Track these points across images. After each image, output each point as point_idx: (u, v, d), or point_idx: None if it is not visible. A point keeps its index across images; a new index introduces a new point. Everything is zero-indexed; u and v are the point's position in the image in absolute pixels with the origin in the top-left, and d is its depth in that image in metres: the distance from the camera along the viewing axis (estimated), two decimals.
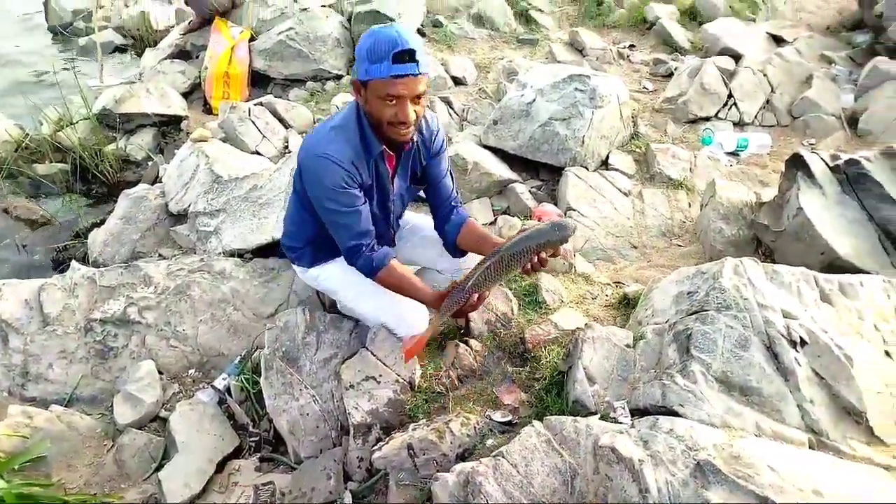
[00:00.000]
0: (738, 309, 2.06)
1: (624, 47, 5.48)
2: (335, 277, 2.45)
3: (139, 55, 6.46)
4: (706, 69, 4.61)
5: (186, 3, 5.67)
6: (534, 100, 3.99)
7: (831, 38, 5.31)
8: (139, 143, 4.67)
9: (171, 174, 3.87)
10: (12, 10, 7.80)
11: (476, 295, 2.15)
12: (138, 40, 6.68)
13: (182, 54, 5.71)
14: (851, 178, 2.98)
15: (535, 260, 2.07)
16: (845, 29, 5.45)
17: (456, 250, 2.44)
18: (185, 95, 5.24)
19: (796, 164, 3.10)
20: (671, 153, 3.96)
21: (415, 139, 2.27)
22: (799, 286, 2.19)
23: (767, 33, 5.28)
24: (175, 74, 5.20)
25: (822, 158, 3.07)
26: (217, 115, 4.85)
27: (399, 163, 2.31)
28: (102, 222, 3.86)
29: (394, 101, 2.01)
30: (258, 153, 4.23)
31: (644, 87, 4.98)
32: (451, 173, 2.41)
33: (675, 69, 5.04)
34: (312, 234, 2.38)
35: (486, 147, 4.06)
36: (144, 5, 6.86)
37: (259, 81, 5.27)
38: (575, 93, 3.91)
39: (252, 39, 5.17)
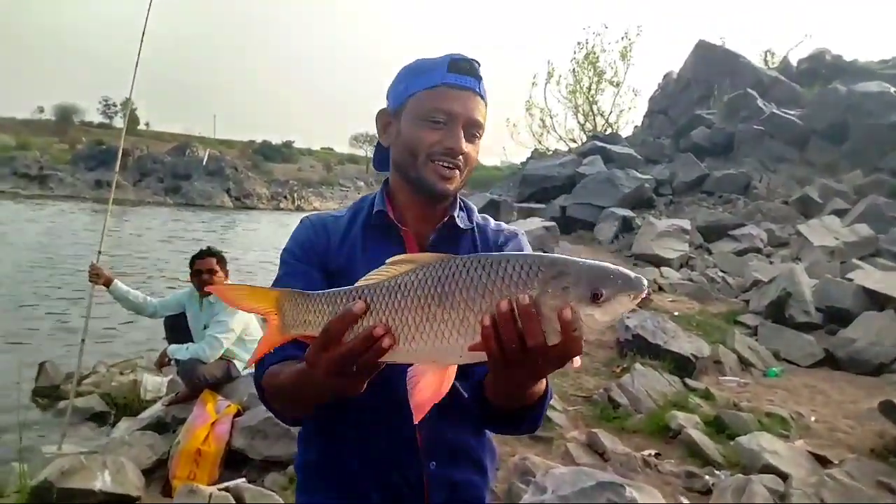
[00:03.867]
0: None
1: (649, 455, 4.92)
2: None
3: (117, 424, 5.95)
4: (753, 488, 3.95)
5: (178, 372, 5.39)
6: None
7: (881, 463, 4.76)
8: None
9: None
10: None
11: (364, 317, 1.06)
12: (121, 408, 6.26)
13: (160, 426, 5.18)
14: None
15: (519, 317, 1.00)
16: (891, 454, 4.94)
17: (486, 410, 1.41)
18: (148, 472, 4.53)
19: None
20: None
21: (463, 225, 1.52)
22: None
23: (809, 452, 4.77)
24: (142, 447, 4.58)
25: None
26: (174, 497, 4.10)
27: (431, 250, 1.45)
28: None
29: (441, 121, 1.39)
30: None
31: None
32: None
33: (713, 485, 4.39)
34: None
35: None
36: (139, 374, 6.64)
37: (234, 462, 4.60)
38: None
39: (238, 415, 4.69)
